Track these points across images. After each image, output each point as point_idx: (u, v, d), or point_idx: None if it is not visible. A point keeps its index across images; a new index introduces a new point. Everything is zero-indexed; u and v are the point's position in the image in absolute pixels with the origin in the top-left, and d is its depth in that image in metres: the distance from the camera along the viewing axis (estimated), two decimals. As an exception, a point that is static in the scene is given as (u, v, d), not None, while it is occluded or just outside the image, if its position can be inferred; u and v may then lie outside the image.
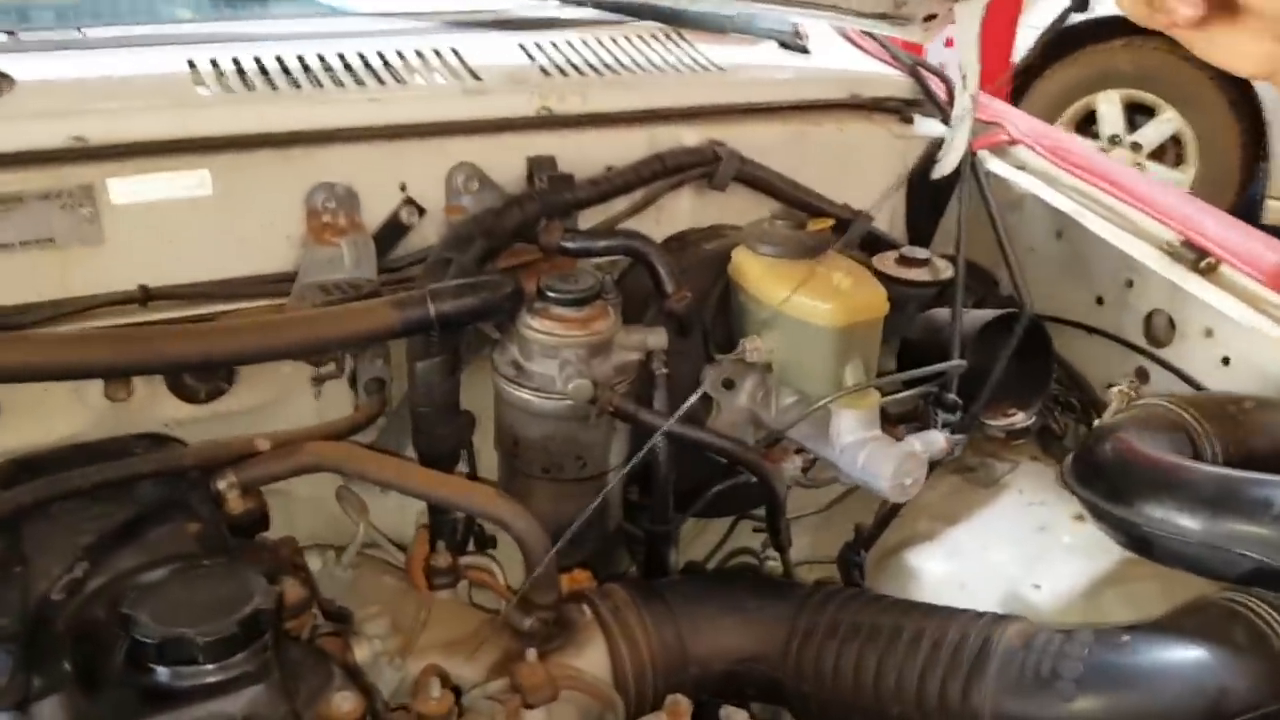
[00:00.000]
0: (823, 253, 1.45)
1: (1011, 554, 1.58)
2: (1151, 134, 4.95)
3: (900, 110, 1.82)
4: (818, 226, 1.46)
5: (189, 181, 1.39)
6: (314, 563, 1.37)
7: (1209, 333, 1.57)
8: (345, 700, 1.04)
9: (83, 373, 1.16)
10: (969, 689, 1.19)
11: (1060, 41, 4.89)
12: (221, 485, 1.23)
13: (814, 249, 1.44)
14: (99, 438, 1.34)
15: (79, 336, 1.23)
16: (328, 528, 1.54)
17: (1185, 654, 1.16)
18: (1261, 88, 4.54)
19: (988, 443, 1.72)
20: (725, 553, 1.79)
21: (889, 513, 1.63)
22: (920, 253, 1.69)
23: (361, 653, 1.23)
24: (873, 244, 1.73)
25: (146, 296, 1.37)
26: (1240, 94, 4.70)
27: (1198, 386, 1.58)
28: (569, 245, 1.49)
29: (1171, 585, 1.45)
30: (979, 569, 1.58)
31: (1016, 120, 1.88)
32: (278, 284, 1.44)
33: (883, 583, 1.61)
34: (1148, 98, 4.89)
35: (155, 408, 1.44)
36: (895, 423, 1.62)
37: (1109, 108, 4.99)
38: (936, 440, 1.41)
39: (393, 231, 1.51)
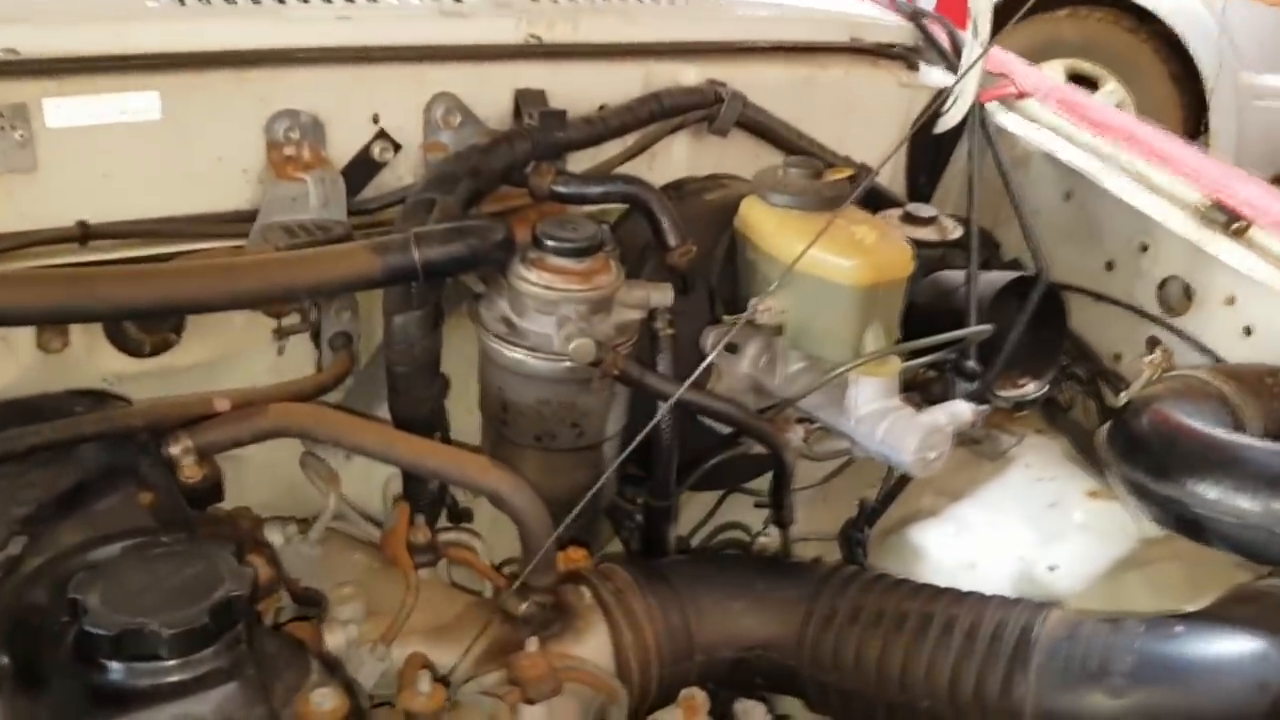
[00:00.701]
0: (841, 205, 1.34)
1: (1023, 532, 1.50)
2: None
3: (906, 57, 1.71)
4: (836, 175, 1.34)
5: (134, 104, 1.22)
6: (274, 538, 1.22)
7: (1231, 300, 1.49)
8: (325, 698, 0.90)
9: (14, 318, 1.00)
10: (1009, 682, 1.10)
11: (1005, 9, 4.83)
12: (175, 450, 1.08)
13: (833, 200, 1.33)
14: (30, 394, 1.18)
15: (9, 276, 1.06)
16: (283, 497, 1.40)
17: (1243, 647, 1.07)
18: (1203, 61, 4.55)
19: (993, 414, 1.62)
20: (712, 528, 1.67)
21: (894, 488, 1.53)
22: (926, 210, 1.59)
23: (335, 640, 1.10)
24: (875, 201, 1.62)
25: (85, 234, 1.20)
26: (1182, 67, 4.70)
27: (1215, 358, 1.50)
28: (562, 190, 1.36)
29: (1194, 568, 1.38)
30: (989, 547, 1.49)
31: (1023, 72, 1.78)
32: (234, 223, 1.28)
33: (887, 561, 1.51)
34: (1091, 68, 4.87)
35: (93, 361, 1.27)
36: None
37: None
38: (962, 412, 1.31)
39: (363, 168, 1.35)
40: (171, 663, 0.81)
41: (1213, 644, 1.08)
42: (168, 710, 0.80)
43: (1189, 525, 1.16)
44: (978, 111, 1.66)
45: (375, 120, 1.34)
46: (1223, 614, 1.12)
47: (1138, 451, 1.20)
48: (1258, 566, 1.23)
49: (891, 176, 1.76)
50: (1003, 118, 1.70)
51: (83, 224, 1.20)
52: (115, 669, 0.81)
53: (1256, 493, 1.09)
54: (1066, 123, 1.65)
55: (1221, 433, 1.17)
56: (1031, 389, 1.57)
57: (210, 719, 0.80)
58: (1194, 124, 4.80)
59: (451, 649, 1.16)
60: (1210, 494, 1.11)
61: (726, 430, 1.44)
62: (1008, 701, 1.09)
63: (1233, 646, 1.08)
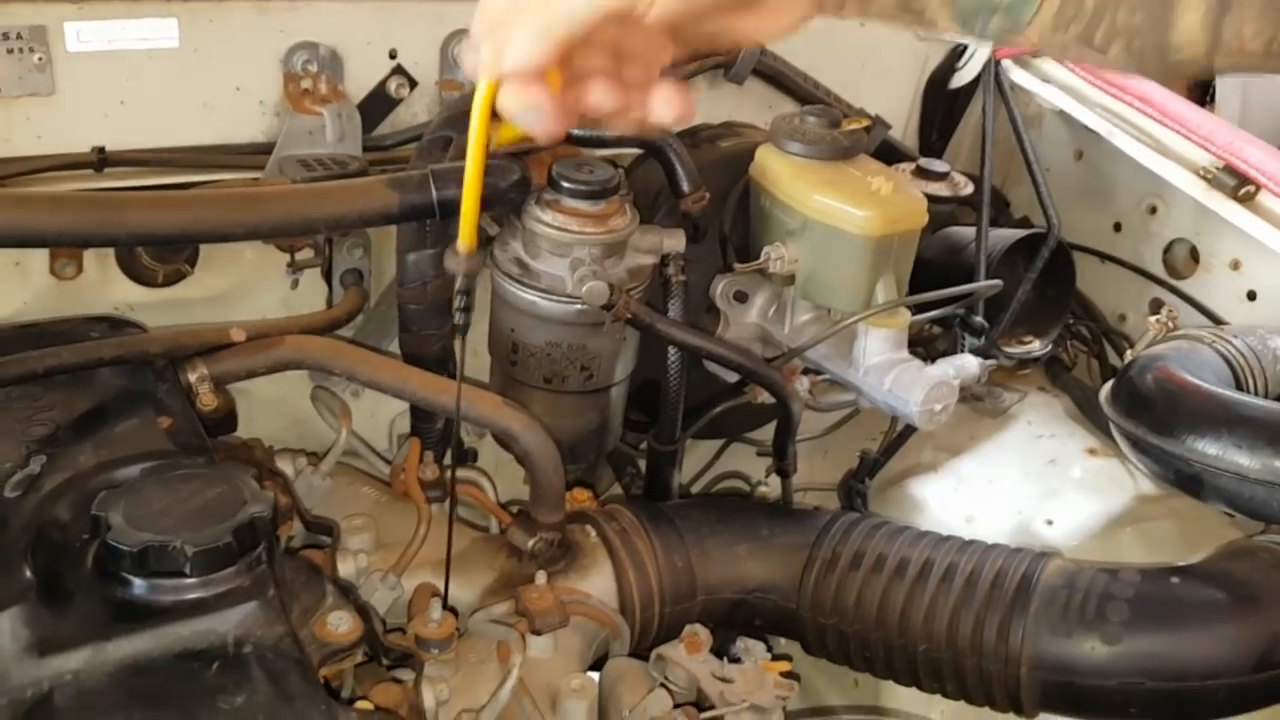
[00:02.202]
0: (858, 155, 1.34)
1: (1021, 487, 1.52)
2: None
3: (923, 10, 1.70)
4: (853, 125, 1.34)
5: (153, 30, 1.21)
6: (285, 469, 1.23)
7: (1236, 265, 1.51)
8: (342, 621, 0.92)
9: (34, 239, 1.00)
10: (1005, 628, 1.12)
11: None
12: (193, 377, 1.09)
13: (849, 150, 1.33)
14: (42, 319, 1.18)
15: (30, 196, 1.06)
16: (290, 432, 1.41)
17: (1236, 599, 1.10)
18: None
19: (996, 371, 1.63)
20: (712, 476, 1.69)
21: (896, 441, 1.54)
22: (939, 165, 1.59)
23: (346, 568, 1.11)
24: (888, 154, 1.62)
25: (103, 160, 1.20)
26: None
27: (1218, 321, 1.52)
28: (576, 133, 1.35)
29: (1189, 525, 1.40)
30: (987, 501, 1.51)
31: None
32: (251, 155, 1.28)
33: (886, 513, 1.53)
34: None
35: (106, 290, 1.28)
36: (904, 345, 1.53)
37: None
38: (969, 365, 1.32)
39: (380, 104, 1.35)
40: (193, 580, 0.82)
41: (1207, 595, 1.10)
42: (189, 626, 0.81)
43: (1189, 481, 1.17)
44: (993, 67, 1.66)
45: (393, 56, 1.34)
46: (1217, 568, 1.14)
47: (1140, 408, 1.21)
48: (1251, 526, 1.25)
49: (904, 131, 1.76)
50: (1017, 75, 1.69)
51: (100, 150, 1.20)
52: (138, 585, 0.82)
53: (1256, 450, 1.11)
54: (1081, 82, 1.65)
55: (1223, 391, 1.18)
56: (1036, 347, 1.59)
57: (231, 636, 0.82)
58: (1200, 93, 4.78)
59: (460, 582, 1.17)
60: (1211, 450, 1.13)
61: (732, 378, 1.45)
62: (1004, 646, 1.11)
63: (1226, 598, 1.10)
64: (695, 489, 1.69)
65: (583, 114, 0.72)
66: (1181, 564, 1.16)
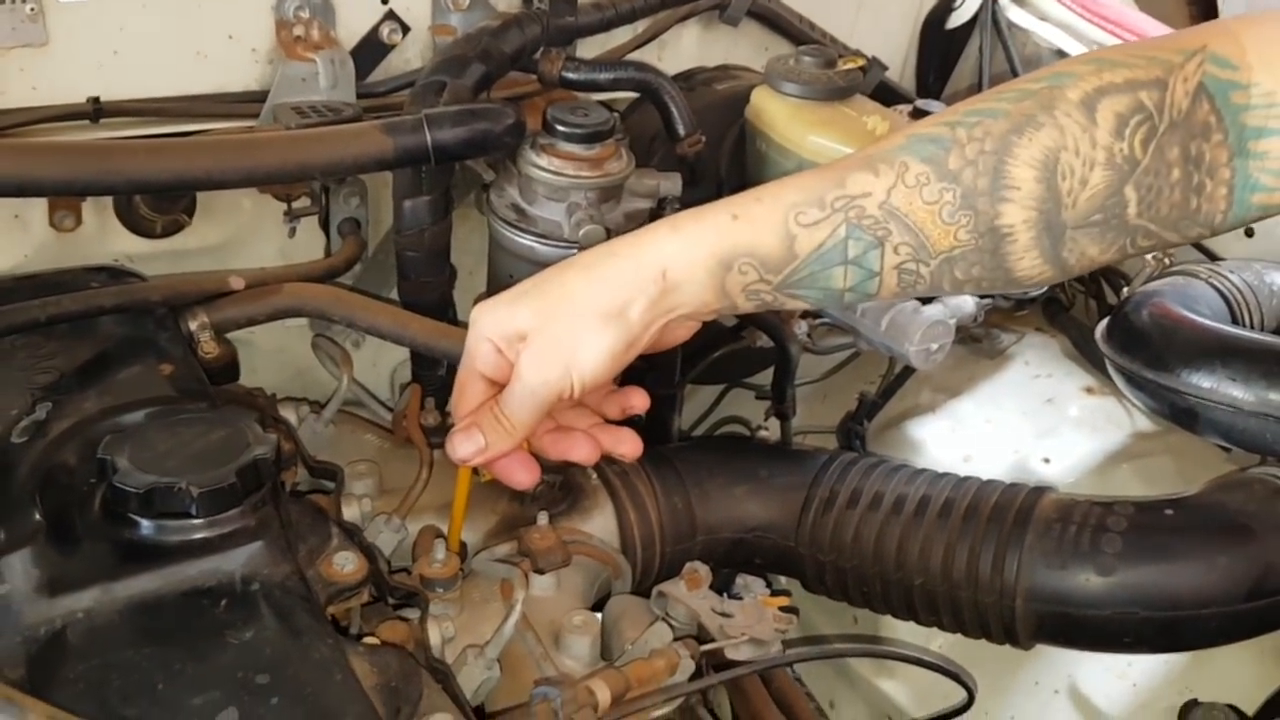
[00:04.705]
0: (854, 95, 1.33)
1: (1018, 426, 1.53)
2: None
3: (919, -51, 1.69)
4: (849, 65, 1.33)
5: (143, -21, 1.20)
6: (288, 416, 1.24)
7: (1234, 202, 1.50)
8: (348, 560, 0.93)
9: (31, 188, 1.00)
10: (1001, 561, 1.14)
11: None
12: (193, 325, 1.10)
13: (845, 91, 1.33)
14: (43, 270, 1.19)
15: (25, 145, 1.06)
16: (292, 382, 1.42)
17: (1230, 530, 1.11)
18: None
19: (994, 312, 1.64)
20: (713, 421, 1.70)
21: (894, 382, 1.55)
22: (936, 106, 1.57)
23: (351, 512, 1.12)
24: (885, 96, 1.62)
25: (97, 111, 1.20)
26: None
27: (1215, 259, 1.52)
28: (572, 76, 1.35)
29: (1185, 461, 1.41)
30: (985, 441, 1.53)
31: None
32: (245, 103, 1.28)
33: (885, 453, 1.54)
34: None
35: (105, 241, 1.28)
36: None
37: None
38: (965, 305, 1.33)
39: (372, 50, 1.35)
40: (199, 520, 0.83)
41: (1200, 527, 1.12)
42: (197, 565, 0.82)
43: (1184, 415, 1.18)
44: (990, 6, 1.65)
45: (384, 1, 1.33)
46: (1210, 499, 1.15)
47: (1135, 343, 1.22)
48: (1248, 460, 1.27)
49: (901, 72, 1.75)
50: (1015, 14, 1.68)
51: (94, 100, 1.20)
52: (145, 525, 0.83)
53: (1250, 383, 1.12)
54: (1079, 19, 1.64)
55: (1218, 325, 1.19)
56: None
57: (238, 574, 0.83)
58: (1204, 4, 4.71)
59: (464, 526, 1.19)
60: (1205, 383, 1.14)
61: (731, 322, 1.46)
62: (999, 579, 1.13)
63: (1218, 530, 1.11)
64: (697, 434, 1.70)
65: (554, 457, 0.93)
66: (1176, 496, 1.17)
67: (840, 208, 0.79)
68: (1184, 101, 0.72)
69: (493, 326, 0.87)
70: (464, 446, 0.89)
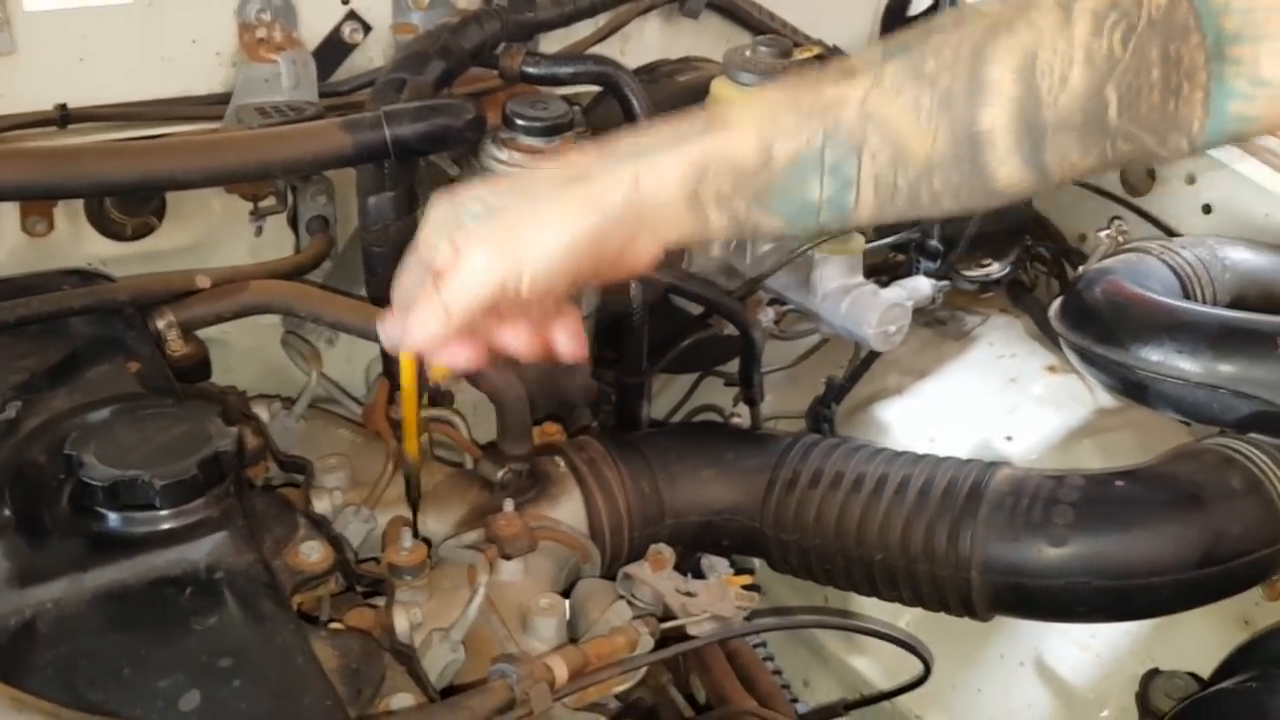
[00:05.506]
0: (809, 84, 1.36)
1: (983, 406, 1.55)
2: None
3: (878, -66, 1.71)
4: (805, 54, 1.36)
5: (107, -14, 1.23)
6: (260, 414, 1.27)
7: (1191, 179, 1.53)
8: (314, 550, 0.96)
9: (-2, 193, 1.02)
10: (955, 534, 1.16)
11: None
12: (161, 324, 1.12)
13: (800, 79, 1.35)
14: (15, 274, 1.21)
15: (-4, 152, 1.09)
16: (268, 379, 1.44)
17: (1180, 499, 1.14)
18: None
19: (958, 295, 1.67)
20: (688, 410, 1.73)
21: (860, 366, 1.58)
22: (897, 94, 1.60)
23: (321, 504, 1.15)
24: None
25: (65, 117, 1.22)
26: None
27: (1174, 235, 1.54)
28: (532, 71, 1.37)
29: (1146, 435, 1.44)
30: (950, 422, 1.55)
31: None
32: (210, 105, 1.30)
33: (853, 436, 1.57)
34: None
35: (77, 245, 1.31)
36: (866, 275, 1.56)
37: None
38: (922, 287, 1.36)
39: (334, 50, 1.37)
40: (164, 512, 0.86)
41: (1150, 497, 1.15)
42: (162, 555, 0.85)
43: (1135, 389, 1.21)
44: (949, -8, 1.67)
45: (345, 1, 1.35)
46: (1162, 470, 1.18)
47: (1087, 320, 1.24)
48: (1208, 432, 1.29)
49: (864, 61, 1.77)
50: None
51: (62, 107, 1.22)
52: (112, 518, 0.86)
53: (1197, 354, 1.14)
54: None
55: (1166, 299, 1.22)
56: (995, 269, 1.62)
57: (203, 564, 0.86)
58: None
59: (434, 516, 1.21)
60: (1154, 357, 1.16)
61: (698, 312, 1.48)
62: (954, 552, 1.15)
63: (1169, 499, 1.14)
64: (673, 422, 1.73)
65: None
66: (1128, 468, 1.20)
67: (817, 114, 0.75)
68: (1162, 0, 0.69)
69: (448, 214, 0.80)
70: (393, 329, 0.83)
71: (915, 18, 1.72)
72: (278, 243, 1.42)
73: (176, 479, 0.86)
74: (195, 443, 0.89)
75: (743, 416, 1.54)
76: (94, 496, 0.85)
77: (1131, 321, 1.20)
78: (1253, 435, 1.16)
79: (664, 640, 1.03)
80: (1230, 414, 1.13)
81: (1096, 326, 1.23)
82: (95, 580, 0.83)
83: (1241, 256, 1.36)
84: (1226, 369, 1.12)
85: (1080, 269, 1.40)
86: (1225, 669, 1.21)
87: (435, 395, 1.50)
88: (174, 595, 0.83)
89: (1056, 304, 1.31)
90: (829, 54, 1.59)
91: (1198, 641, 1.33)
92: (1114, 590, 1.12)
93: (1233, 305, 1.31)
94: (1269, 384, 1.09)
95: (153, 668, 0.77)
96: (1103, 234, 1.41)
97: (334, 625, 0.93)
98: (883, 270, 1.60)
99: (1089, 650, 1.37)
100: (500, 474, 1.22)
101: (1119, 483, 1.15)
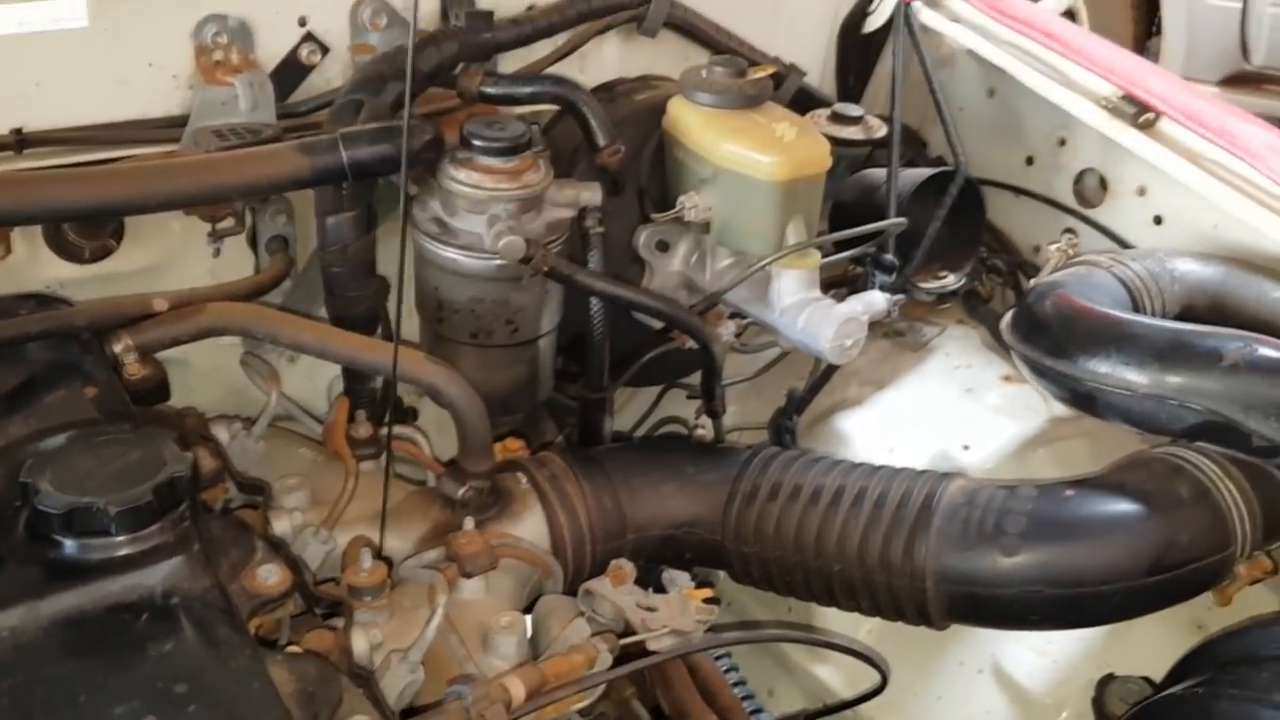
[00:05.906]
0: (764, 103, 1.38)
1: (940, 416, 1.57)
2: (1047, 6, 4.94)
3: (833, -46, 1.73)
4: (759, 74, 1.38)
5: (61, 10, 1.23)
6: (219, 434, 1.27)
7: (1142, 191, 1.56)
8: (271, 573, 0.96)
9: (-49, 221, 1.02)
10: (911, 545, 1.18)
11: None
12: (118, 348, 1.12)
13: (755, 99, 1.37)
14: (-26, 299, 1.21)
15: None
16: (229, 399, 1.44)
17: (1129, 508, 1.16)
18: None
19: (916, 306, 1.69)
20: (653, 422, 1.74)
21: (821, 378, 1.60)
22: (853, 110, 1.62)
23: (281, 525, 1.15)
24: (804, 101, 1.66)
25: (21, 142, 1.22)
26: (1135, -32, 4.70)
27: (1126, 246, 1.57)
28: (491, 91, 1.38)
29: (1100, 443, 1.46)
30: (908, 432, 1.57)
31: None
32: (167, 129, 1.30)
33: (814, 447, 1.58)
34: (1042, -31, 4.85)
35: (36, 268, 1.30)
36: (825, 288, 1.58)
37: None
38: (877, 301, 1.37)
39: (292, 72, 1.37)
40: (120, 538, 0.86)
41: (1100, 506, 1.17)
42: (118, 581, 0.85)
43: (1084, 400, 1.23)
44: (903, 10, 1.69)
45: (303, 23, 1.36)
46: (1111, 479, 1.20)
47: (1037, 332, 1.26)
48: (1161, 441, 1.31)
49: (822, 77, 1.79)
50: (927, 16, 1.73)
51: (17, 131, 1.22)
52: (68, 545, 0.86)
53: (1144, 366, 1.16)
54: (990, 21, 1.69)
55: (1114, 312, 1.24)
56: (951, 280, 1.64)
57: (159, 590, 0.86)
58: (1146, 25, 4.81)
59: (396, 534, 1.22)
60: (1101, 369, 1.18)
61: (659, 327, 1.50)
62: (910, 563, 1.17)
63: (1119, 508, 1.16)
64: (638, 435, 1.74)
65: None
66: (1078, 478, 1.22)
67: None
68: None
69: None
70: None
71: (871, 35, 1.75)
72: (237, 263, 1.42)
73: (131, 505, 0.86)
74: (150, 468, 0.89)
75: (706, 429, 1.55)
76: (50, 524, 0.86)
77: (1080, 334, 1.22)
78: (1200, 444, 1.19)
79: (623, 656, 1.04)
80: (1177, 424, 1.16)
81: (1046, 340, 1.25)
82: (51, 607, 0.83)
83: (1190, 268, 1.38)
84: (1173, 380, 1.14)
85: (1031, 282, 1.42)
86: (1176, 673, 1.24)
87: (399, 411, 1.51)
88: (130, 621, 0.83)
89: (1007, 317, 1.33)
90: (785, 72, 1.62)
91: (1152, 646, 1.35)
92: (1066, 598, 1.14)
93: (1181, 316, 1.33)
94: (1215, 395, 1.12)
95: (109, 694, 0.78)
96: (1053, 247, 1.43)
97: (291, 649, 0.94)
98: (842, 283, 1.62)
99: (1046, 656, 1.39)
100: (461, 491, 1.22)
101: (1069, 492, 1.17)
